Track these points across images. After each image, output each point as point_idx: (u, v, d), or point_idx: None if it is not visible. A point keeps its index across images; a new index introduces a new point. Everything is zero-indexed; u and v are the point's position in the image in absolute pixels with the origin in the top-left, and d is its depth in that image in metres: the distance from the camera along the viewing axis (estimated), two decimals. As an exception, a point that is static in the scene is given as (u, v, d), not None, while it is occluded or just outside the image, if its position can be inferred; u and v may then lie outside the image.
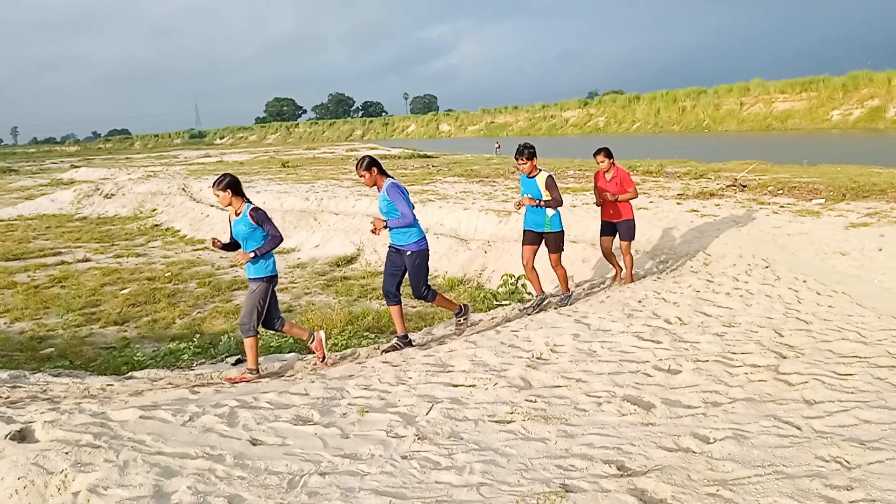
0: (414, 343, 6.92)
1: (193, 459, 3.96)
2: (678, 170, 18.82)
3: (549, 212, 7.66)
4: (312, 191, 18.54)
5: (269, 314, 6.21)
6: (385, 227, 6.54)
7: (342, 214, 15.63)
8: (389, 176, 6.67)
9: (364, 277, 11.76)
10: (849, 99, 64.78)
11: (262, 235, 6.06)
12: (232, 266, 13.13)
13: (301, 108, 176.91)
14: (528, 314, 7.69)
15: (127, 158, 59.65)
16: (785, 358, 5.29)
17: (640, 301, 7.30)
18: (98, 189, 25.10)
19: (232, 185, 6.03)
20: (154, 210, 21.34)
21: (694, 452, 3.84)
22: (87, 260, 14.29)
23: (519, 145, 7.72)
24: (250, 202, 6.14)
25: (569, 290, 8.02)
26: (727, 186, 14.48)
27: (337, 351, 7.44)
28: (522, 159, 7.64)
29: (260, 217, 6.02)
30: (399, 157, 35.30)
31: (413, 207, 6.60)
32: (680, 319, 6.52)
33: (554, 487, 3.48)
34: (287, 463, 3.91)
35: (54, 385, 6.26)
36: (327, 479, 3.70)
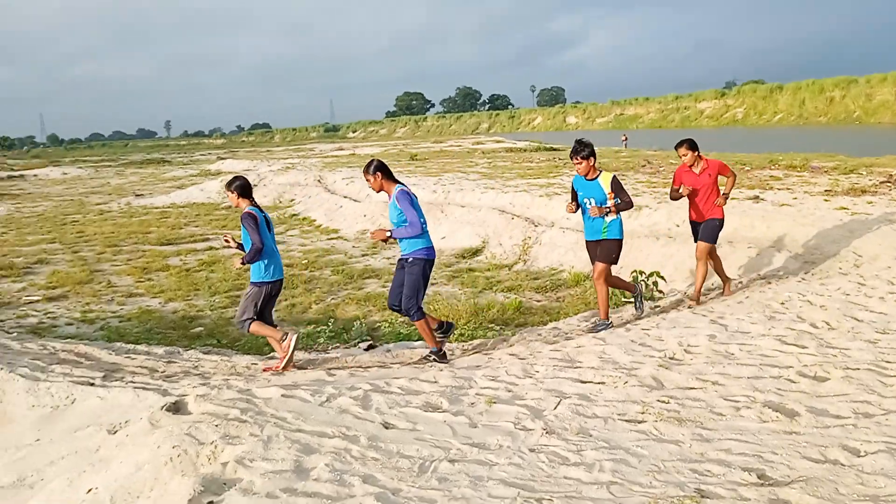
0: (448, 359, 6.37)
1: (330, 438, 4.15)
2: (825, 164, 17.54)
3: (610, 216, 6.86)
4: (440, 183, 18.83)
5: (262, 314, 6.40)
6: (389, 237, 6.16)
7: (468, 207, 15.78)
8: (399, 182, 6.34)
9: (489, 270, 11.82)
10: None
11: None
12: (363, 255, 13.61)
13: (429, 101, 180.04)
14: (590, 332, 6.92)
15: (267, 151, 63.09)
16: (951, 370, 4.83)
17: (782, 303, 6.90)
18: (241, 180, 26.68)
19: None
20: (292, 200, 22.43)
21: (842, 465, 3.59)
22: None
23: (576, 142, 6.97)
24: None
25: (608, 317, 7.05)
26: (881, 183, 13.33)
27: (464, 341, 7.56)
28: (577, 159, 6.84)
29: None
30: (525, 150, 35.13)
31: (423, 217, 6.23)
32: (827, 324, 6.10)
33: (689, 492, 3.37)
34: (418, 448, 4.03)
35: (205, 362, 6.77)
36: (456, 467, 3.77)
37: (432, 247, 6.35)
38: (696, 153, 7.72)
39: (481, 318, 8.64)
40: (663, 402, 4.55)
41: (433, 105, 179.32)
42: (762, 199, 12.24)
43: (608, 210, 6.80)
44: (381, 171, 6.29)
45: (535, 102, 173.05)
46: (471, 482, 3.58)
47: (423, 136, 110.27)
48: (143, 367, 6.55)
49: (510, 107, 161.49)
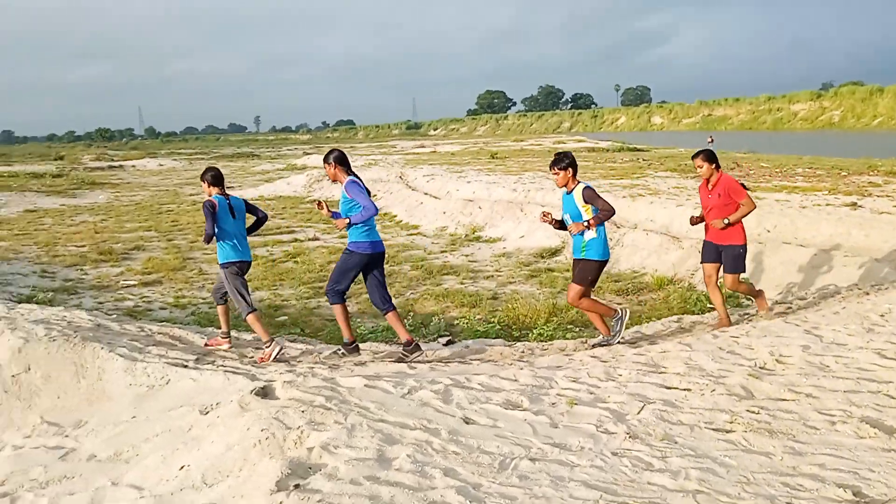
0: (360, 352, 6.66)
1: (412, 430, 4.21)
2: (932, 171, 16.54)
3: (589, 234, 6.39)
4: (520, 182, 18.76)
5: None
6: (349, 223, 6.27)
7: (548, 206, 15.66)
8: (352, 173, 6.52)
9: (568, 270, 11.65)
10: None
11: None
12: (442, 252, 13.71)
13: (511, 100, 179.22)
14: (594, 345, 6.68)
15: (351, 147, 64.26)
16: None
17: (882, 315, 6.54)
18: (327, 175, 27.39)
19: (339, 158, 6.55)
20: (374, 196, 22.81)
21: (948, 488, 3.39)
22: (317, 239, 15.67)
23: (556, 154, 6.60)
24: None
25: (611, 333, 6.62)
26: None
27: (542, 341, 7.52)
28: (555, 169, 6.44)
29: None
30: (608, 151, 34.56)
31: (376, 207, 6.37)
32: (933, 339, 5.75)
33: (779, 506, 3.25)
34: (498, 444, 4.04)
35: (290, 349, 6.97)
36: (537, 465, 3.76)
37: (379, 241, 6.52)
38: (714, 166, 7.01)
39: (560, 318, 8.57)
40: (753, 412, 4.40)
41: (514, 103, 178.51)
42: (860, 206, 11.66)
43: (586, 225, 6.36)
44: (337, 161, 6.54)
45: (619, 102, 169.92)
46: (552, 482, 3.56)
47: (504, 134, 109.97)
48: (232, 352, 6.81)
49: (593, 106, 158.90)
